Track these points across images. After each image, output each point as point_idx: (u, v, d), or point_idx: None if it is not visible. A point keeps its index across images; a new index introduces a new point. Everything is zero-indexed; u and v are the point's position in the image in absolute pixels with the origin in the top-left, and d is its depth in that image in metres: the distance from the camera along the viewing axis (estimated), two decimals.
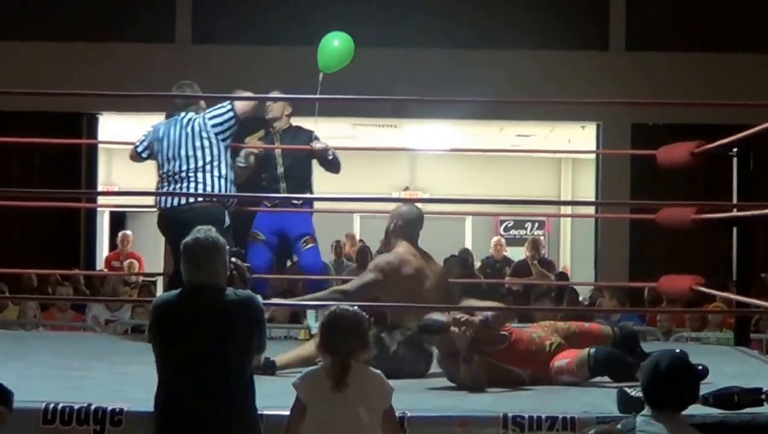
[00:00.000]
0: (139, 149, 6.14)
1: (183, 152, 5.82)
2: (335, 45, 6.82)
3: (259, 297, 3.71)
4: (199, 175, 5.80)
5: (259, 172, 6.47)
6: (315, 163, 6.56)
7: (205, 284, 3.60)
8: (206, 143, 5.82)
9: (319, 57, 6.76)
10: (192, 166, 5.81)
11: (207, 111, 5.93)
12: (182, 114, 5.93)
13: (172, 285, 5.91)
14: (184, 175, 5.81)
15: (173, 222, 5.72)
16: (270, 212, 6.50)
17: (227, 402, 3.51)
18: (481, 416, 3.96)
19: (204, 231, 3.67)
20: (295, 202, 6.46)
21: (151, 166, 6.14)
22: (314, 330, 6.15)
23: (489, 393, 4.56)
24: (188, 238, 3.66)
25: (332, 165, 6.44)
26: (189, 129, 5.85)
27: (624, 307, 8.17)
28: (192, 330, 3.55)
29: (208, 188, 5.77)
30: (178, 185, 5.82)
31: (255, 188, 6.43)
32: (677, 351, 3.66)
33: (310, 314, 6.25)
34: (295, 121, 6.72)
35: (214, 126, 5.84)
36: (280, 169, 6.42)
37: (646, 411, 3.28)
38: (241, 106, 5.88)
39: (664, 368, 3.26)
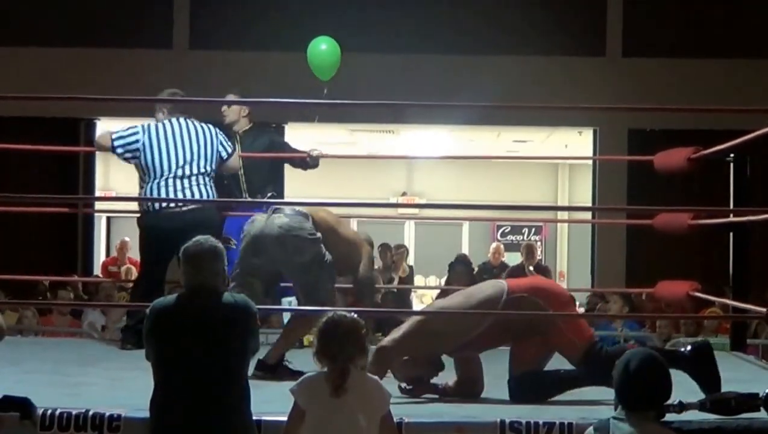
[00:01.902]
0: (120, 150, 5.98)
1: (200, 153, 5.88)
2: (323, 48, 6.83)
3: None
4: (207, 179, 5.89)
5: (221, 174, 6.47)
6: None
7: (205, 286, 3.62)
8: (215, 155, 5.95)
9: (314, 68, 6.78)
10: (202, 170, 5.87)
11: (218, 134, 6.03)
12: (180, 118, 5.95)
13: (138, 287, 5.96)
14: (195, 177, 5.85)
15: (176, 224, 5.68)
16: (238, 216, 6.47)
17: (222, 406, 3.52)
18: (478, 422, 3.97)
19: (204, 237, 3.73)
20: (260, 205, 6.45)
21: None
22: None
23: (486, 400, 4.57)
24: (189, 244, 3.69)
25: (311, 167, 6.47)
26: (204, 135, 5.93)
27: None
28: (189, 333, 3.56)
29: (211, 194, 5.89)
30: (186, 185, 5.83)
31: (218, 189, 6.43)
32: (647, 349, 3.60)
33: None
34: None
35: (221, 143, 5.98)
36: (240, 171, 6.43)
37: (619, 412, 3.24)
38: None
39: (635, 367, 3.21)
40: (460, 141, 13.28)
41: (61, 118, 10.35)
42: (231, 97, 6.39)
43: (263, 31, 10.69)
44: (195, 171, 5.87)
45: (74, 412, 3.89)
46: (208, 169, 5.91)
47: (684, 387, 4.30)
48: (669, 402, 3.77)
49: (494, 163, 14.43)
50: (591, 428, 3.27)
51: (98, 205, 9.84)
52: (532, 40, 10.64)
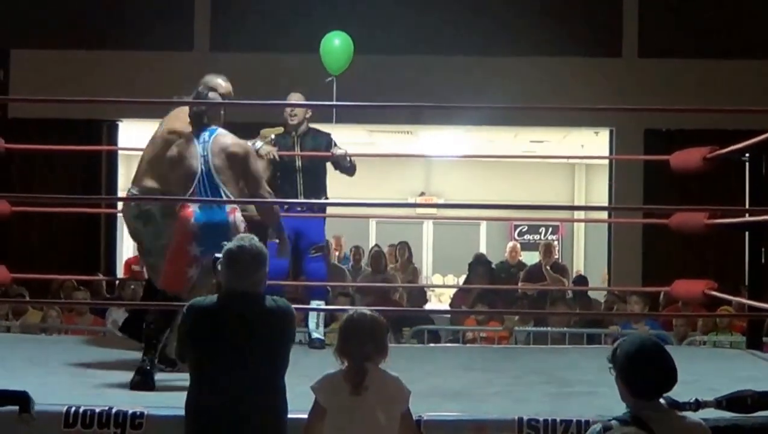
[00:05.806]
0: None
1: None
2: (336, 44, 6.85)
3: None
4: None
5: (276, 172, 6.47)
6: (329, 166, 6.61)
7: (246, 292, 3.59)
8: None
9: (325, 61, 6.80)
10: None
11: None
12: None
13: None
14: None
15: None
16: (286, 216, 6.51)
17: (259, 409, 3.51)
18: (496, 419, 4.01)
19: (248, 239, 3.68)
20: (310, 205, 6.47)
21: None
22: (314, 335, 6.28)
23: (505, 397, 4.61)
24: (232, 245, 3.65)
25: (348, 169, 6.51)
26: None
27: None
28: (230, 335, 3.53)
29: None
30: None
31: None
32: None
33: (311, 318, 6.37)
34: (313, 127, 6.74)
35: None
36: (299, 172, 6.45)
37: (624, 414, 3.16)
38: None
39: (634, 353, 3.13)
40: (477, 141, 13.31)
41: (83, 120, 10.44)
42: (296, 97, 6.42)
43: (283, 33, 10.75)
44: None
45: (97, 410, 3.94)
46: None
47: (700, 385, 4.33)
48: (685, 400, 3.81)
49: (511, 163, 14.46)
50: (598, 425, 3.21)
51: (121, 206, 9.92)
52: (548, 42, 10.66)
